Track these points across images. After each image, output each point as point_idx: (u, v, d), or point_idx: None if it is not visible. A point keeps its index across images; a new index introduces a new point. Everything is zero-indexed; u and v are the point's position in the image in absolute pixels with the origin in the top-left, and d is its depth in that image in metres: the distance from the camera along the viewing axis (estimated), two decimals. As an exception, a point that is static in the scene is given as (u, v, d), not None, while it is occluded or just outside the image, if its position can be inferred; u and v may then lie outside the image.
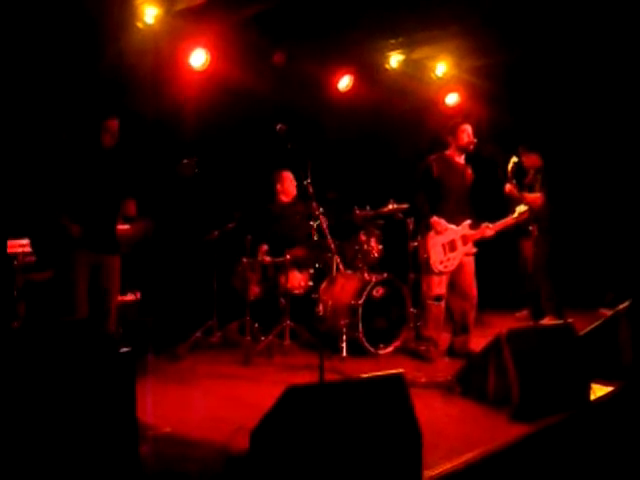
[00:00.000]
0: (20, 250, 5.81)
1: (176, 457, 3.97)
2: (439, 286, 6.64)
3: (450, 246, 6.63)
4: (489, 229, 6.78)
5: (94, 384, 3.13)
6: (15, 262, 5.78)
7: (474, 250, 6.76)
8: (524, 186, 8.23)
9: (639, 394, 5.25)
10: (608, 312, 6.08)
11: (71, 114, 6.08)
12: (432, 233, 6.62)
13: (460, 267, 6.67)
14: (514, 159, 7.66)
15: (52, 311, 5.52)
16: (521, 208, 7.14)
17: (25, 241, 5.86)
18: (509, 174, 7.70)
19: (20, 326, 5.47)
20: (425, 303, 6.72)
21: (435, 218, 6.62)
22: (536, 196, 8.10)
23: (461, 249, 6.67)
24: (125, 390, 3.23)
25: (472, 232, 6.73)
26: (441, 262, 6.61)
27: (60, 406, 2.99)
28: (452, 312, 6.77)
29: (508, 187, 7.91)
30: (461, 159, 6.84)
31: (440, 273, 6.62)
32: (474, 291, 6.75)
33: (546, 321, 7.90)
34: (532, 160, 8.35)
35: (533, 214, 8.00)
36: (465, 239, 6.69)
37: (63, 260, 5.21)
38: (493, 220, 6.88)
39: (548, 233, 8.21)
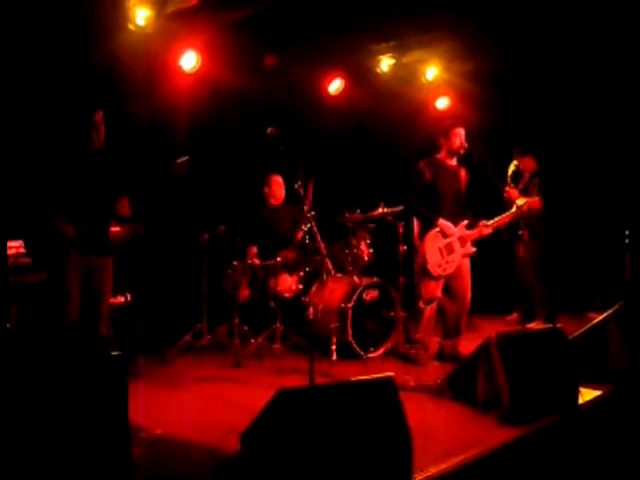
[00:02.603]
0: (13, 252, 5.79)
1: (168, 459, 3.98)
2: (436, 289, 6.65)
3: (447, 249, 6.61)
4: (486, 227, 6.78)
5: (86, 387, 3.12)
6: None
7: (473, 250, 6.74)
8: (520, 190, 8.22)
9: (628, 398, 5.28)
10: (596, 316, 6.10)
11: (62, 115, 6.07)
12: (429, 237, 6.62)
13: (457, 270, 6.67)
14: (515, 162, 7.65)
15: (44, 313, 5.50)
16: (520, 202, 7.15)
17: (17, 242, 5.83)
18: (508, 178, 7.69)
19: (11, 328, 5.45)
20: (418, 306, 6.73)
21: (442, 220, 6.61)
22: (534, 200, 8.11)
23: (459, 251, 6.66)
24: (117, 392, 3.23)
25: (469, 232, 6.72)
26: (439, 265, 6.59)
27: (52, 409, 2.99)
28: (445, 315, 6.77)
29: (510, 191, 7.80)
30: (453, 161, 6.83)
31: (439, 277, 6.63)
32: (469, 294, 6.73)
33: (534, 325, 7.93)
34: (527, 163, 8.36)
35: (525, 218, 8.06)
36: (462, 240, 6.67)
37: (55, 262, 5.19)
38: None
39: (542, 237, 8.22)
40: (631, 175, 9.23)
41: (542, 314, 8.19)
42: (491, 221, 6.86)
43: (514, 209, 7.05)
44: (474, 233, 6.74)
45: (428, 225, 6.69)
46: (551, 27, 7.91)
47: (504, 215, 6.99)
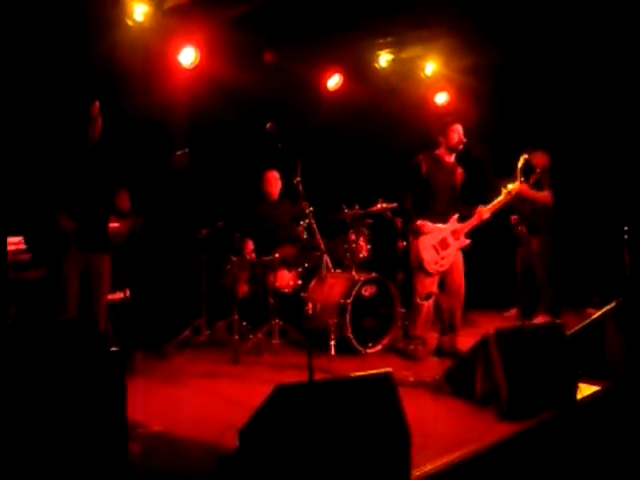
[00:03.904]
0: (12, 248, 5.77)
1: (166, 456, 3.98)
2: (432, 285, 6.66)
3: (442, 245, 6.63)
4: (485, 211, 6.77)
5: (84, 383, 3.12)
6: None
7: (467, 242, 6.75)
8: (532, 185, 8.19)
9: (626, 394, 5.28)
10: (595, 312, 6.10)
11: (61, 109, 6.06)
12: (422, 237, 6.62)
13: (450, 265, 6.69)
14: (525, 156, 7.58)
15: (42, 310, 5.50)
16: (509, 187, 7.12)
17: (17, 239, 5.82)
18: (518, 172, 7.61)
19: (10, 325, 5.44)
20: (415, 302, 6.73)
21: (420, 221, 6.61)
22: (545, 195, 8.13)
23: (454, 245, 6.68)
24: (115, 389, 3.23)
25: (462, 225, 6.73)
26: (436, 262, 6.61)
27: (50, 405, 2.99)
28: (440, 311, 6.78)
29: (520, 186, 7.73)
30: (451, 158, 6.83)
31: (437, 273, 6.64)
32: (463, 289, 6.75)
33: (537, 320, 7.91)
34: (540, 159, 8.33)
35: (525, 212, 8.10)
36: (455, 234, 6.69)
37: (54, 259, 5.19)
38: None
39: (548, 232, 8.22)
40: (630, 171, 9.23)
41: (546, 308, 8.17)
42: (488, 205, 6.85)
43: (503, 195, 7.00)
44: (473, 221, 6.74)
45: (408, 221, 6.73)
46: (550, 21, 7.89)
47: (498, 200, 6.94)
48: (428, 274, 6.62)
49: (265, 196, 7.84)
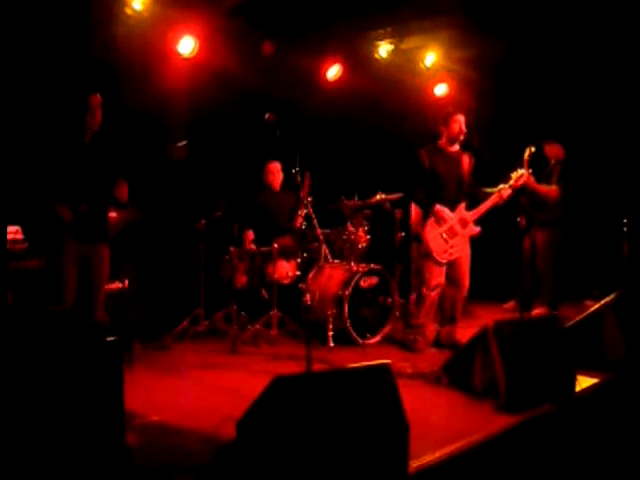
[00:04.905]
0: (10, 237, 5.76)
1: (163, 446, 3.97)
2: (440, 276, 6.62)
3: (450, 233, 6.58)
4: (505, 189, 6.72)
5: (81, 373, 3.11)
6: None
7: (477, 230, 6.71)
8: (541, 177, 8.12)
9: (625, 386, 5.28)
10: (594, 304, 6.09)
11: (60, 100, 6.04)
12: (428, 226, 6.59)
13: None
14: (532, 148, 7.51)
15: (39, 299, 5.49)
16: (516, 174, 7.07)
17: (15, 228, 5.81)
18: (525, 163, 7.54)
19: (7, 314, 5.43)
20: (421, 292, 6.69)
21: (438, 206, 6.57)
22: (552, 188, 8.05)
23: (462, 233, 6.63)
24: (112, 379, 3.22)
25: (471, 212, 6.69)
26: (445, 251, 6.57)
27: (47, 395, 2.98)
28: (442, 301, 6.75)
29: (528, 177, 7.64)
30: (454, 148, 6.77)
31: (447, 262, 6.61)
32: (467, 281, 6.72)
33: (536, 312, 7.90)
34: (555, 150, 8.27)
35: (523, 205, 8.06)
36: (464, 222, 6.64)
37: (52, 249, 5.18)
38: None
39: (560, 227, 8.17)
40: (629, 164, 9.21)
41: (545, 301, 8.14)
42: (507, 184, 6.82)
43: (512, 181, 6.95)
44: (490, 201, 6.69)
45: (428, 212, 6.68)
46: (551, 13, 7.86)
47: (510, 184, 6.89)
48: (438, 264, 6.59)
49: (266, 187, 7.82)
